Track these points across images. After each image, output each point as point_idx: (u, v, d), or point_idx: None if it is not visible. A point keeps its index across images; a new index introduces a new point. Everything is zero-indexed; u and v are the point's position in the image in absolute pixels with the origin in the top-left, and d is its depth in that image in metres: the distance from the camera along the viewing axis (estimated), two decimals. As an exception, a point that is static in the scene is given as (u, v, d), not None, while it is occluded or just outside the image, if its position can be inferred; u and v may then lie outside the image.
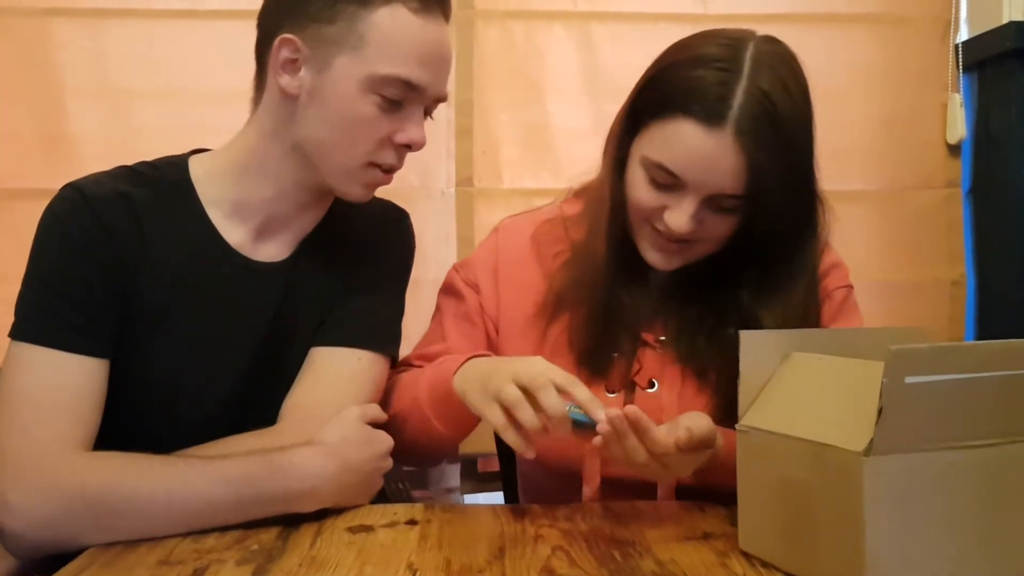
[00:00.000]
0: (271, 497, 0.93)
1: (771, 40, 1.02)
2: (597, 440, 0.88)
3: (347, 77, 1.00)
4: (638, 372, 1.10)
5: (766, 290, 1.06)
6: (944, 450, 0.72)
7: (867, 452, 0.70)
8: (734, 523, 0.88)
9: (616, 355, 1.10)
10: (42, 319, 0.97)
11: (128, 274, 1.01)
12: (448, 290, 1.22)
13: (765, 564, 0.83)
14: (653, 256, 1.07)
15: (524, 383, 0.89)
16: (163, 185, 1.05)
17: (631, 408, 0.87)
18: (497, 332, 1.16)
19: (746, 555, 0.86)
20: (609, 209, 1.07)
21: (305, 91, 1.01)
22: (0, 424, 0.93)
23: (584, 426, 0.90)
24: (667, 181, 1.00)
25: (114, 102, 1.89)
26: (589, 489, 1.08)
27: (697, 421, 0.92)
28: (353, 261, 1.14)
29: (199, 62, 1.90)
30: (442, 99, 1.07)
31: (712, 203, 1.00)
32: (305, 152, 1.04)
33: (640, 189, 1.03)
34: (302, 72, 1.01)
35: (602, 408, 0.88)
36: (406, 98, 1.02)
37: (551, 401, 0.88)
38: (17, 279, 1.00)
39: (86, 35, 1.89)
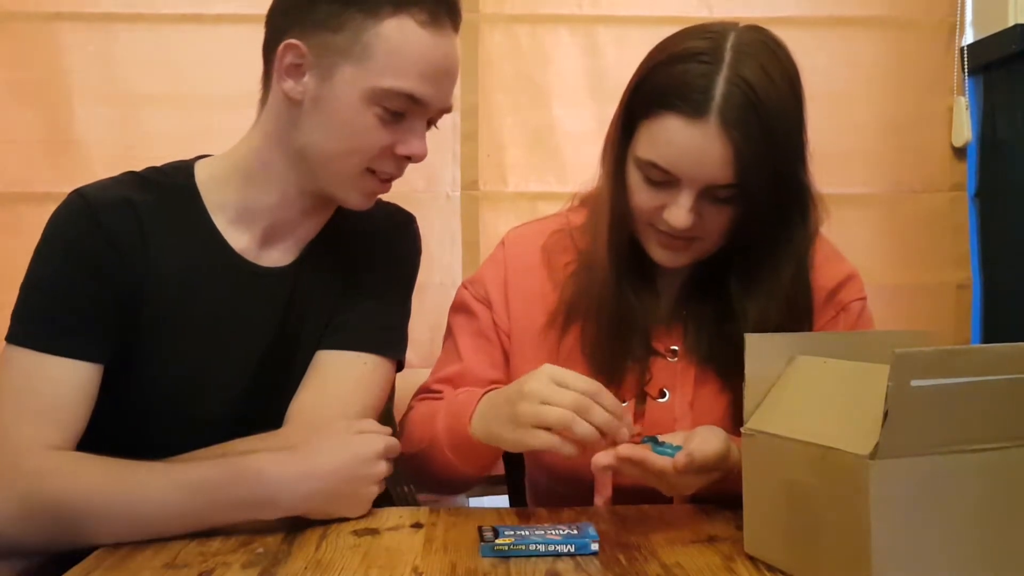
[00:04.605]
0: (228, 503, 0.90)
1: (754, 29, 1.01)
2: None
3: (350, 88, 0.99)
4: (649, 382, 1.10)
5: (752, 279, 1.05)
6: (950, 454, 0.72)
7: (873, 455, 0.70)
8: (740, 526, 0.88)
9: (629, 363, 1.10)
10: (32, 323, 0.98)
11: (132, 280, 1.01)
12: (459, 308, 1.21)
13: (771, 567, 0.83)
14: (660, 254, 1.06)
15: (554, 400, 0.89)
16: (168, 190, 1.05)
17: (623, 447, 0.89)
18: (510, 341, 1.16)
19: (752, 558, 0.86)
20: (609, 216, 1.07)
21: (308, 97, 1.00)
22: None
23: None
24: (661, 178, 1.00)
25: (121, 106, 1.89)
26: (601, 499, 1.08)
27: (706, 444, 0.91)
28: (359, 264, 1.13)
29: (206, 66, 1.90)
30: (447, 111, 1.06)
31: (708, 195, 1.00)
32: (306, 158, 1.03)
33: (638, 191, 1.03)
34: (306, 78, 1.00)
35: (625, 418, 0.91)
36: (409, 111, 1.01)
37: (603, 419, 0.89)
38: (23, 283, 1.00)
39: (93, 39, 1.89)
